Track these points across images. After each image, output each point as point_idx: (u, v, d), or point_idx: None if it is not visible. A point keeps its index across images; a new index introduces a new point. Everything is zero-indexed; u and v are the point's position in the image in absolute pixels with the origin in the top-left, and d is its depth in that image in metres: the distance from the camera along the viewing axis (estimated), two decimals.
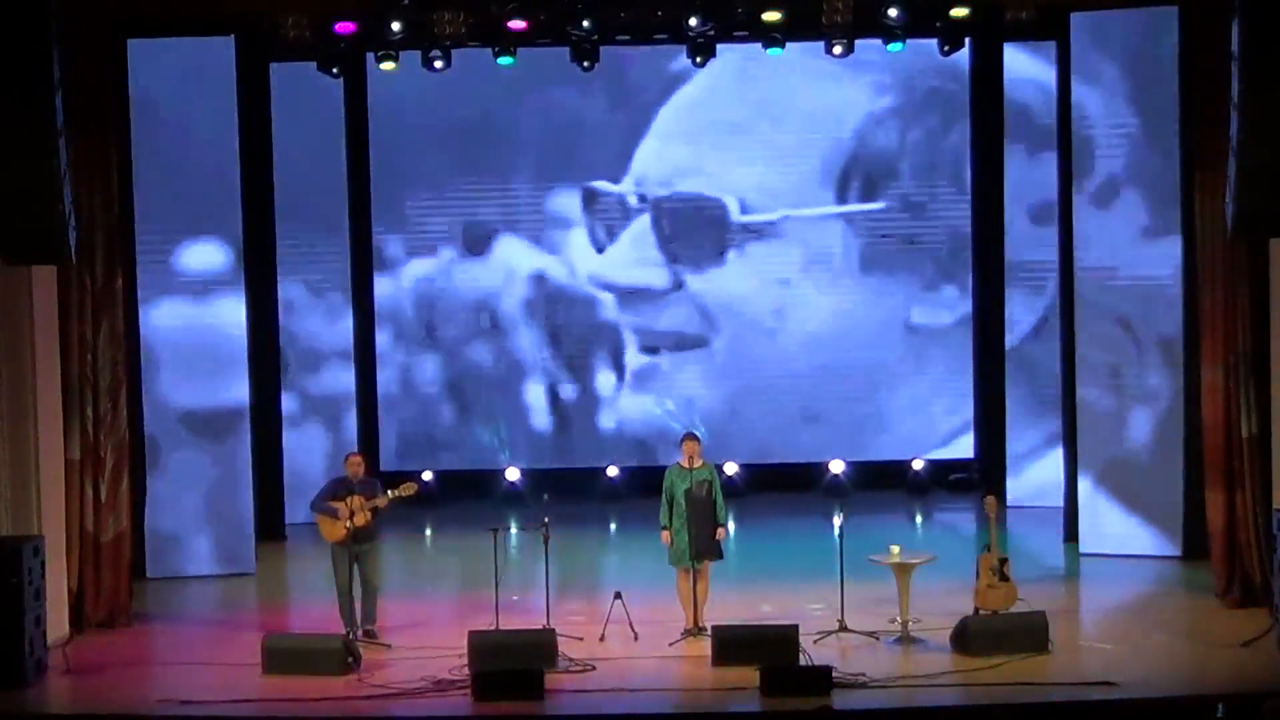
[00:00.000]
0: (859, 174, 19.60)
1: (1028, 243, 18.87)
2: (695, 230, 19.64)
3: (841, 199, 19.54)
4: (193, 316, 16.61)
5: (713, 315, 19.79)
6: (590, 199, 19.70)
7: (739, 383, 19.81)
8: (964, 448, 20.05)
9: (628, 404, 19.93)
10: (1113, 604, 14.89)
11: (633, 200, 19.66)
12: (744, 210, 19.54)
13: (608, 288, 19.79)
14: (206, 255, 16.62)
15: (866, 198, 19.60)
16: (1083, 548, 16.58)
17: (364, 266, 19.81)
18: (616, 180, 19.64)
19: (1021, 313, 19.11)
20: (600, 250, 19.75)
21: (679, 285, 19.76)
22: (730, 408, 19.82)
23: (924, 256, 19.74)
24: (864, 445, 19.72)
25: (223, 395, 16.67)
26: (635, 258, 19.70)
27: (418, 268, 19.94)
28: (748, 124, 19.45)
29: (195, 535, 16.57)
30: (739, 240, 19.69)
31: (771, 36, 17.17)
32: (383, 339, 20.02)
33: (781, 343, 19.76)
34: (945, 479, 20.00)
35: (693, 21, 16.83)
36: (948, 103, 19.48)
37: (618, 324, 19.81)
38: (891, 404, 19.89)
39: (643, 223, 19.73)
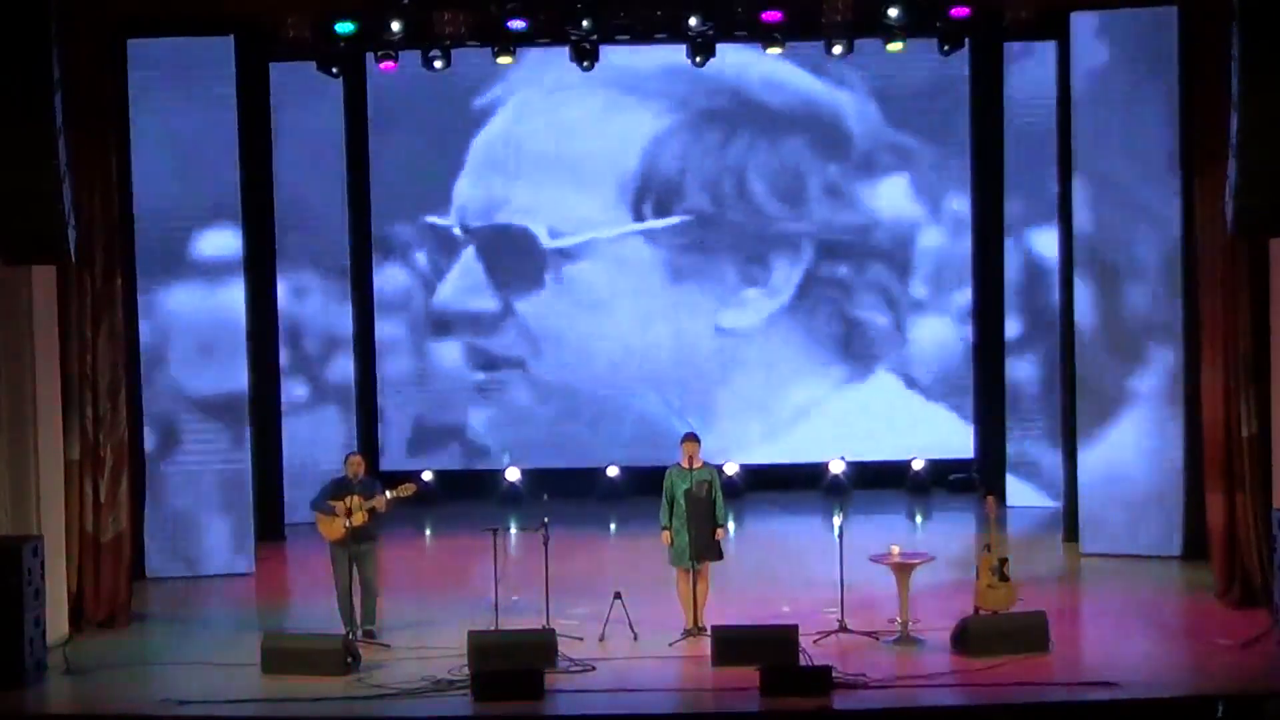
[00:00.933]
0: (651, 193, 19.91)
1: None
2: (513, 258, 19.94)
3: (639, 217, 19.89)
4: (193, 316, 16.60)
5: (536, 337, 20.04)
6: (425, 232, 19.97)
7: (565, 400, 20.05)
8: (964, 448, 20.05)
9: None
10: (1113, 604, 14.88)
11: (457, 232, 19.95)
12: (553, 235, 19.86)
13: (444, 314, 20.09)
14: (206, 255, 16.62)
15: (661, 214, 19.89)
16: (1083, 548, 16.59)
17: (364, 266, 19.82)
18: (444, 214, 19.96)
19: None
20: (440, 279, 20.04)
21: (509, 310, 20.03)
22: (556, 423, 20.09)
23: (725, 264, 19.97)
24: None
25: (223, 395, 16.68)
26: (465, 286, 20.01)
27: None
28: (549, 153, 19.82)
29: (195, 535, 16.56)
30: (553, 264, 19.94)
31: (771, 36, 17.18)
32: (382, 337, 20.08)
33: (603, 356, 19.98)
34: (945, 479, 20.00)
35: (693, 21, 16.83)
36: (725, 119, 19.74)
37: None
38: (719, 403, 20.01)
39: (469, 253, 19.97)
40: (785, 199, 19.88)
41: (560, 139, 19.75)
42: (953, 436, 19.99)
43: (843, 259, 19.95)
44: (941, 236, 20.02)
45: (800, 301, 20.01)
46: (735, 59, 18.96)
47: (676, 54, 17.80)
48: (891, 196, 19.93)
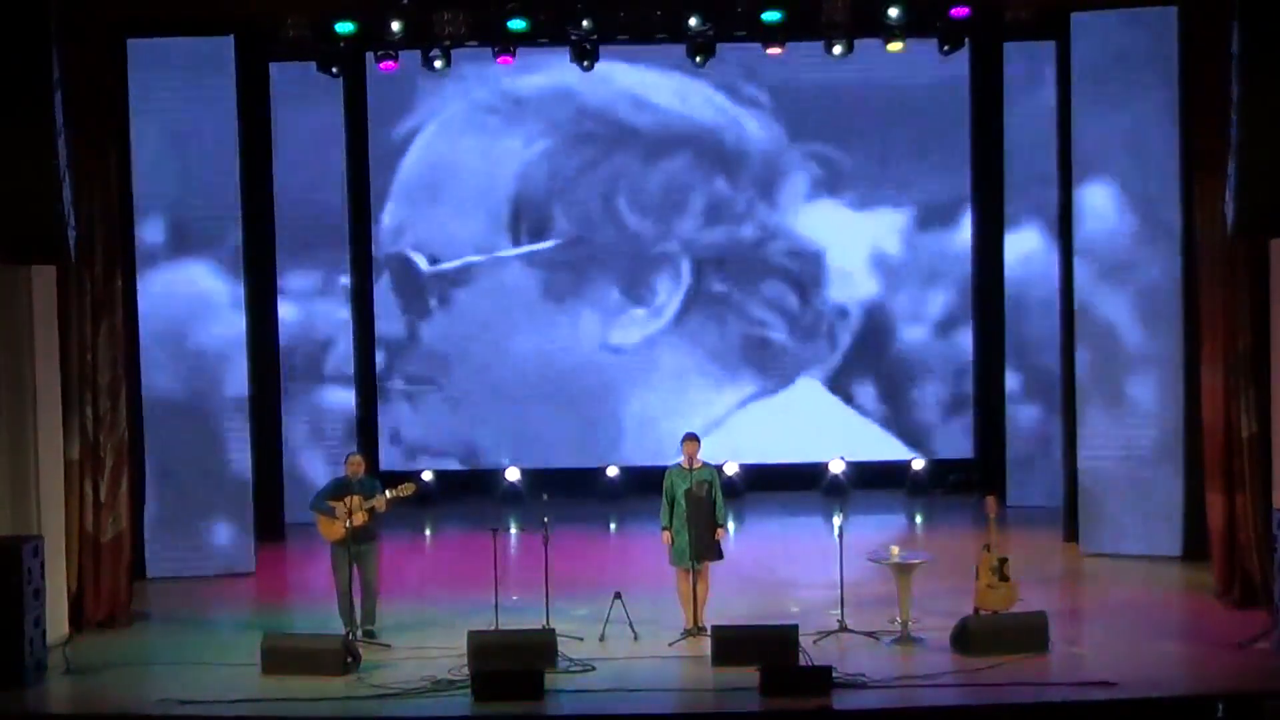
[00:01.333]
0: (527, 216, 20.00)
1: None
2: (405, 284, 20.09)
3: (516, 241, 20.03)
4: (193, 316, 16.61)
5: (441, 357, 20.12)
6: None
7: (471, 413, 20.14)
8: (964, 448, 20.06)
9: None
10: (1113, 604, 14.88)
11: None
12: (432, 263, 20.00)
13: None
14: (206, 255, 16.63)
15: (537, 238, 20.01)
16: (1083, 548, 16.59)
17: (364, 266, 19.82)
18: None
19: None
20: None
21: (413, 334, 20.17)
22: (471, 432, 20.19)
23: (608, 282, 20.02)
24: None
25: (222, 395, 16.68)
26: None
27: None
28: (428, 181, 19.95)
29: (195, 535, 16.56)
30: (436, 289, 20.02)
31: (771, 36, 17.17)
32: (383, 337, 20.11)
33: (498, 373, 20.06)
34: (945, 479, 20.01)
35: (693, 21, 16.84)
36: (593, 141, 19.83)
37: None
38: (618, 417, 20.07)
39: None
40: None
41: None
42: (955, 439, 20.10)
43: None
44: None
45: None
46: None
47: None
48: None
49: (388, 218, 19.99)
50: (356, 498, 13.93)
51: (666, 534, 13.90)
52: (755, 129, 19.82)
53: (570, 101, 19.66)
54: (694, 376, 20.07)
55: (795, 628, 13.06)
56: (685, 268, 20.03)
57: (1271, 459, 14.35)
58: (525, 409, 20.03)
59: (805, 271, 19.99)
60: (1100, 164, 16.42)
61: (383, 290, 20.02)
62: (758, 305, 20.06)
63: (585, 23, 16.77)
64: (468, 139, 19.82)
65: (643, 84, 19.57)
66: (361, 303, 19.80)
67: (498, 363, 20.03)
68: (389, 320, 20.07)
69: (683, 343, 20.10)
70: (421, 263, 20.00)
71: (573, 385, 20.05)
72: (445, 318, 20.09)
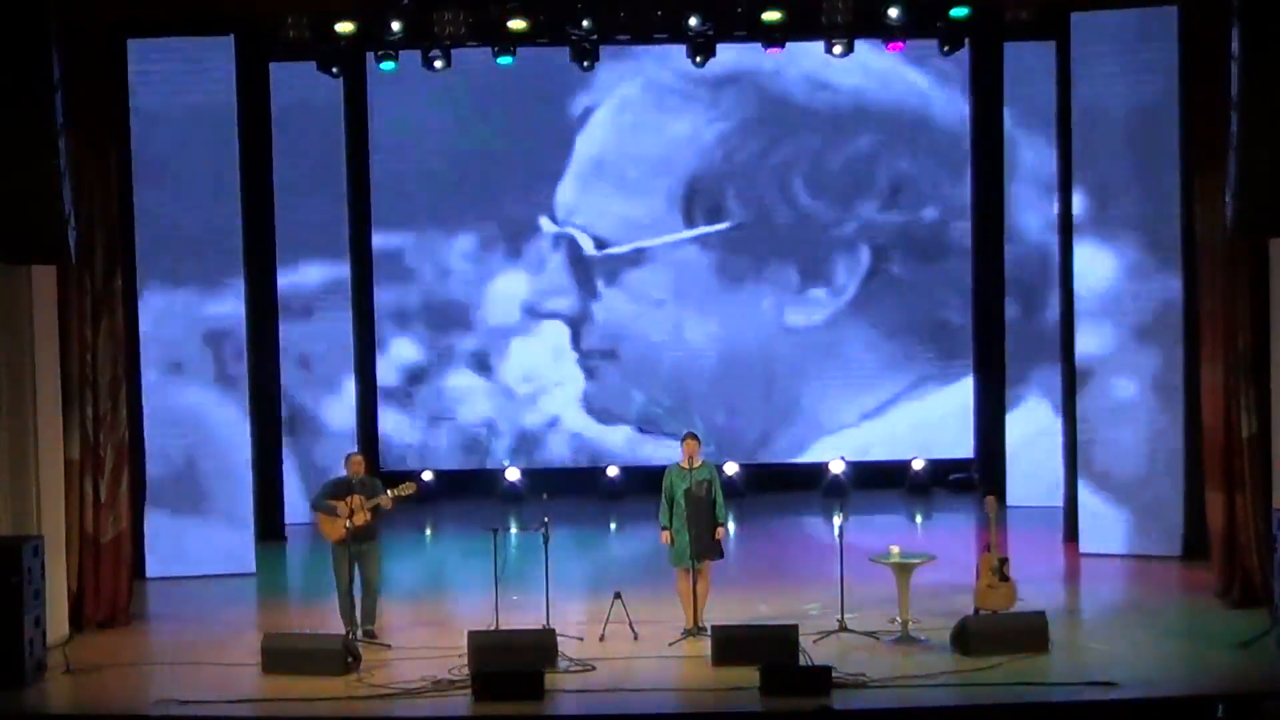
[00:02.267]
0: (702, 199, 20.10)
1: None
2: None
3: (690, 223, 20.10)
4: (193, 316, 16.61)
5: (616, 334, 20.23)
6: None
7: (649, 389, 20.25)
8: (964, 448, 20.06)
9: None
10: (1113, 604, 14.88)
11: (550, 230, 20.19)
12: (599, 247, 20.12)
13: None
14: (207, 255, 16.63)
15: (713, 220, 20.07)
16: (1083, 548, 16.59)
17: (364, 266, 19.83)
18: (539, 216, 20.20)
19: None
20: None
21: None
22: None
23: (788, 265, 20.08)
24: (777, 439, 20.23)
25: (223, 395, 16.68)
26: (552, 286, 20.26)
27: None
28: (603, 164, 20.07)
29: (195, 535, 16.56)
30: (606, 270, 20.15)
31: (771, 36, 17.17)
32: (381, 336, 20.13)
33: (675, 356, 20.21)
34: (945, 479, 20.01)
35: (693, 21, 16.84)
36: (765, 126, 19.93)
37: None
38: (791, 401, 20.18)
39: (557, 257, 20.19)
40: None
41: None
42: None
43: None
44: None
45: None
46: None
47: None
48: None
49: (561, 197, 20.07)
50: (357, 497, 13.93)
51: (666, 534, 13.90)
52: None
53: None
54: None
55: (795, 628, 13.07)
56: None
57: (1271, 459, 14.35)
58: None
59: None
60: (1100, 163, 16.42)
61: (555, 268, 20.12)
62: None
63: (585, 23, 16.77)
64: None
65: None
66: (362, 301, 19.78)
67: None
68: (561, 295, 20.10)
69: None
70: (588, 246, 20.08)
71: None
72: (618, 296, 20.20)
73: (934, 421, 20.12)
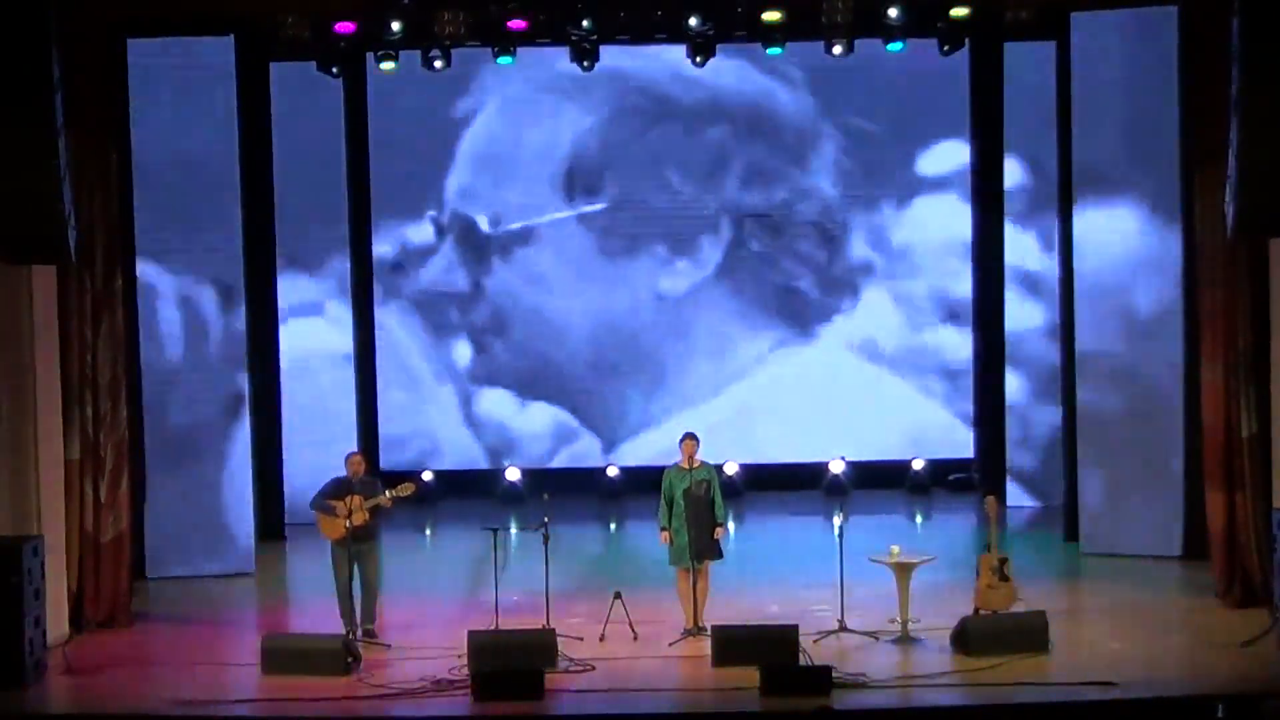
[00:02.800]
0: (580, 180, 20.30)
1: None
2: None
3: (570, 203, 20.33)
4: (193, 316, 16.61)
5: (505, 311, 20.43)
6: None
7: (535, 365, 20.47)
8: (964, 448, 20.06)
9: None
10: (1113, 604, 14.88)
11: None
12: (493, 224, 20.33)
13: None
14: (207, 255, 16.63)
15: (591, 199, 20.31)
16: (1083, 548, 16.59)
17: (364, 265, 19.82)
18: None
19: None
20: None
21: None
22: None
23: (657, 243, 20.35)
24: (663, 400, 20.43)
25: (223, 395, 16.68)
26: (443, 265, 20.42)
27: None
28: (496, 150, 20.23)
29: (195, 535, 16.56)
30: (498, 247, 20.30)
31: (771, 36, 17.17)
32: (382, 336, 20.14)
33: (560, 326, 20.43)
34: (945, 479, 20.00)
35: (693, 21, 16.84)
36: (643, 112, 20.08)
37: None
38: (669, 360, 20.42)
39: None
40: None
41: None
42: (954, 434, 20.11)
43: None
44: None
45: None
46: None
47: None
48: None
49: (453, 184, 20.23)
50: (357, 497, 13.93)
51: (665, 534, 13.90)
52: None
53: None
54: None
55: (795, 628, 13.07)
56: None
57: (1271, 459, 14.35)
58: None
59: None
60: (1100, 164, 16.41)
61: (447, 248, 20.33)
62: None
63: (585, 23, 16.76)
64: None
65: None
66: (362, 298, 19.76)
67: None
68: (453, 274, 20.36)
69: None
70: (484, 224, 20.28)
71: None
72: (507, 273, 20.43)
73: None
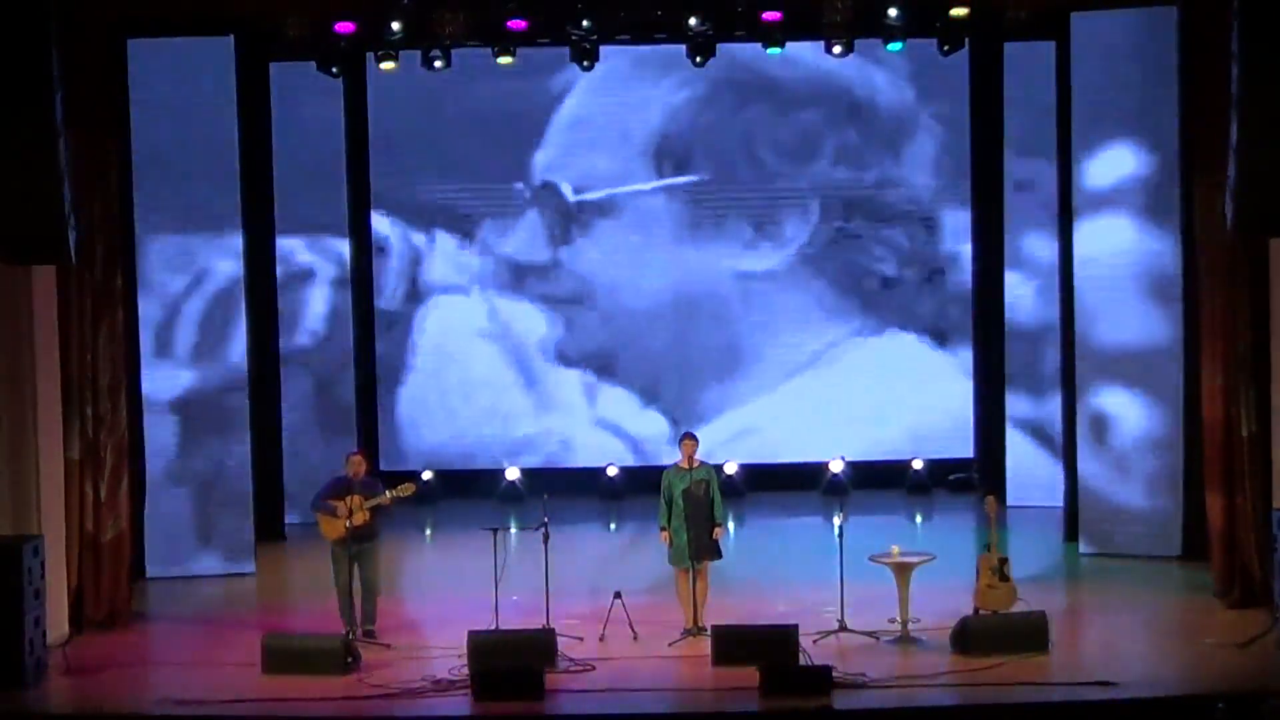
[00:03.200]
0: (670, 153, 20.28)
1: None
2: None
3: (659, 174, 20.32)
4: (193, 316, 16.62)
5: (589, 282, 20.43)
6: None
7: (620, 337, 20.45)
8: (964, 447, 20.06)
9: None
10: (1113, 604, 14.88)
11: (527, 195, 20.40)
12: (576, 191, 20.31)
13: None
14: (206, 255, 16.64)
15: (680, 172, 20.29)
16: (1083, 548, 16.59)
17: (364, 265, 19.82)
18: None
19: None
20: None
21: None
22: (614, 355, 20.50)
23: (742, 221, 20.33)
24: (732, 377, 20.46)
25: (223, 395, 16.68)
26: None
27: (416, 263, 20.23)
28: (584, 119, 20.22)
29: (195, 535, 16.56)
30: (581, 219, 20.32)
31: (771, 36, 17.17)
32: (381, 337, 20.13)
33: (644, 298, 20.37)
34: (945, 479, 20.00)
35: (692, 21, 16.83)
36: (736, 90, 20.02)
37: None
38: (741, 338, 20.39)
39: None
40: None
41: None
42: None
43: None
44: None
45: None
46: None
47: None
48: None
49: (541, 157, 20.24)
50: (357, 497, 13.94)
51: (665, 534, 13.91)
52: None
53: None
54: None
55: (795, 628, 13.06)
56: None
57: (1271, 459, 14.35)
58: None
59: None
60: (1100, 163, 16.41)
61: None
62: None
63: (585, 23, 16.76)
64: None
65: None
66: (361, 297, 19.75)
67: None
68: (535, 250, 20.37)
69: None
70: (568, 192, 20.28)
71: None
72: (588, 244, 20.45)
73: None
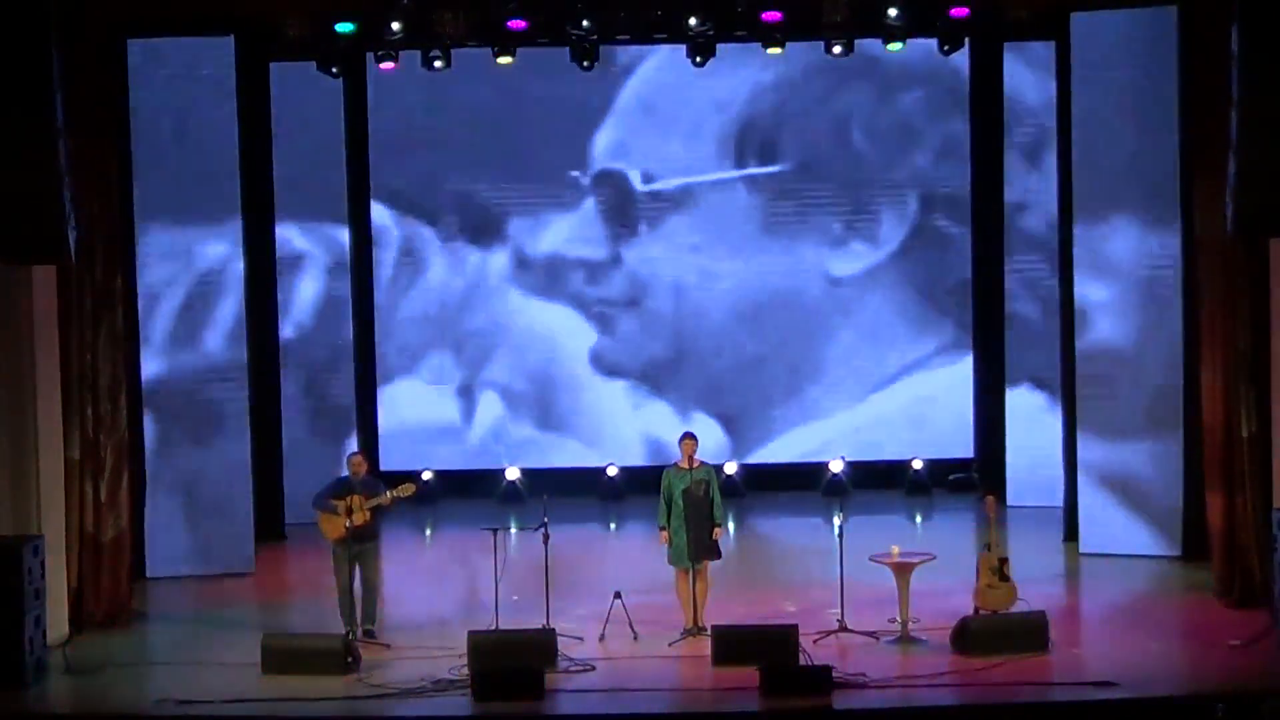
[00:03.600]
0: (753, 141, 19.83)
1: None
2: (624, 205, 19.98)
3: (740, 164, 19.83)
4: (193, 316, 16.62)
5: (644, 281, 20.00)
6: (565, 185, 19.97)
7: (677, 342, 20.05)
8: (964, 447, 20.05)
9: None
10: (1113, 604, 14.89)
11: (585, 183, 19.96)
12: (645, 181, 19.83)
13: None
14: (206, 255, 16.64)
15: (765, 162, 19.86)
16: (1083, 548, 16.59)
17: (364, 264, 19.82)
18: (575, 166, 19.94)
19: None
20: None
21: (617, 258, 20.01)
22: (674, 361, 20.06)
23: (827, 216, 19.90)
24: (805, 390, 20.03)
25: (223, 395, 16.67)
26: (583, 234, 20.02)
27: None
28: (653, 104, 19.79)
29: (195, 535, 16.55)
30: (651, 211, 19.90)
31: (771, 36, 17.17)
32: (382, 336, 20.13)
33: (708, 302, 19.99)
34: (945, 479, 20.00)
35: (692, 21, 16.83)
36: (824, 75, 19.54)
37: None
38: (825, 350, 20.02)
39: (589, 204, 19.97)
40: None
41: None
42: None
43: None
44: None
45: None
46: None
47: None
48: None
49: (603, 139, 19.81)
50: (357, 497, 13.94)
51: (664, 534, 13.91)
52: None
53: None
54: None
55: (795, 628, 13.07)
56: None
57: (1271, 459, 14.35)
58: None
59: None
60: (1100, 164, 16.41)
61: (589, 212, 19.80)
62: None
63: (585, 23, 16.76)
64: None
65: None
66: (361, 296, 19.75)
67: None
68: (596, 244, 19.84)
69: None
70: (636, 180, 19.79)
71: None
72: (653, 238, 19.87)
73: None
